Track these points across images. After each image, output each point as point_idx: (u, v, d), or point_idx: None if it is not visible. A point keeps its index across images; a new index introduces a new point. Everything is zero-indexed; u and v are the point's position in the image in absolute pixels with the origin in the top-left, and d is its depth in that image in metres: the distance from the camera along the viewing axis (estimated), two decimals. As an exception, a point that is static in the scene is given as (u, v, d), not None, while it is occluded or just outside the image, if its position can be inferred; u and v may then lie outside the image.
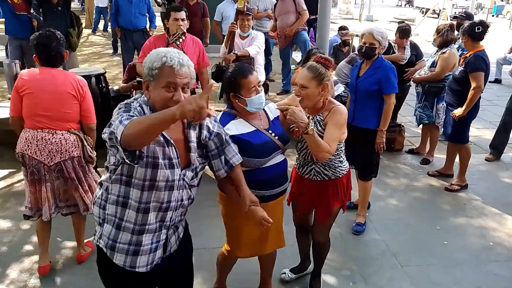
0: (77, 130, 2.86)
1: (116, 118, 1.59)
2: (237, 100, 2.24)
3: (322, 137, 2.36)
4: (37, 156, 2.72)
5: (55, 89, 2.70)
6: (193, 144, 1.83)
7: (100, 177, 2.75)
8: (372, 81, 3.39)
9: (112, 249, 1.80)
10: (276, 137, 2.32)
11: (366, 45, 3.38)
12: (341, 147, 2.56)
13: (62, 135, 2.76)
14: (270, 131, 2.32)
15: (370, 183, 3.70)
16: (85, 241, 3.21)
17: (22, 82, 2.70)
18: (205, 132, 1.89)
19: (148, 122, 1.47)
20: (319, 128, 2.45)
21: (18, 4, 5.94)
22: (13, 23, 5.93)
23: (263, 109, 2.37)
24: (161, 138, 1.70)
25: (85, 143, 2.86)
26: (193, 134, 1.84)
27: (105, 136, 1.63)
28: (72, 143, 2.79)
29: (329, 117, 2.42)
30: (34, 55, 2.74)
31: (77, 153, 2.83)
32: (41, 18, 6.18)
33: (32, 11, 6.40)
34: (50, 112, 2.70)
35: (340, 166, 2.57)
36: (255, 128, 2.28)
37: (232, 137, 2.11)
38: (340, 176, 2.57)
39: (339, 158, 2.56)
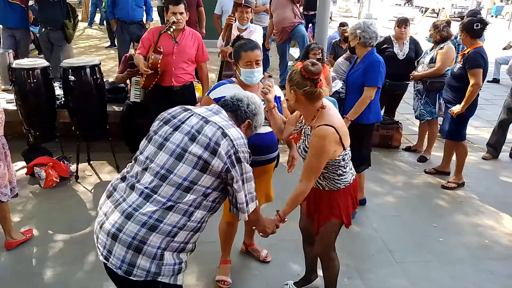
0: None
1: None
2: (235, 67, 2.58)
3: (300, 151, 2.33)
4: None
5: None
6: None
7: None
8: (359, 74, 3.43)
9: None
10: (266, 110, 2.35)
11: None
12: (341, 163, 2.26)
13: None
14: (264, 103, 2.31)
15: (362, 176, 3.73)
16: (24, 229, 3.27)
17: None
18: None
19: None
20: (306, 143, 2.27)
21: None
22: (5, 12, 5.84)
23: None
24: None
25: None
26: None
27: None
28: None
29: (311, 138, 2.20)
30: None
31: None
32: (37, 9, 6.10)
33: (30, 2, 6.32)
34: None
35: (336, 179, 2.30)
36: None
37: (217, 99, 2.32)
38: (336, 189, 2.33)
39: (337, 171, 2.28)
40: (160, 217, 1.67)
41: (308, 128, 2.27)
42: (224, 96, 2.06)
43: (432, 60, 4.62)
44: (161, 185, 1.70)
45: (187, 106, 1.89)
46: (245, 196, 1.84)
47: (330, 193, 2.35)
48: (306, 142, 2.26)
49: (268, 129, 2.56)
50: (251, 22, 4.57)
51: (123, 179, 1.81)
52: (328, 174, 2.29)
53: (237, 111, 1.93)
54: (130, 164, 1.86)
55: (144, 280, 1.66)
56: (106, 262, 1.71)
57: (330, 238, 2.48)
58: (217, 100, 2.29)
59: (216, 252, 3.00)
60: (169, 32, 3.68)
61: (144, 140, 1.85)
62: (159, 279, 1.69)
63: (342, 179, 2.31)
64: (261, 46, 4.56)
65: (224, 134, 1.74)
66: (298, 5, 6.39)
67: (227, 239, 2.90)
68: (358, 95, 3.43)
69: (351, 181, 2.37)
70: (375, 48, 3.50)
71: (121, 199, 1.74)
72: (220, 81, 2.65)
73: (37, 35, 7.15)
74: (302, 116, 2.36)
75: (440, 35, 4.57)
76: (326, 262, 2.58)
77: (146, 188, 1.71)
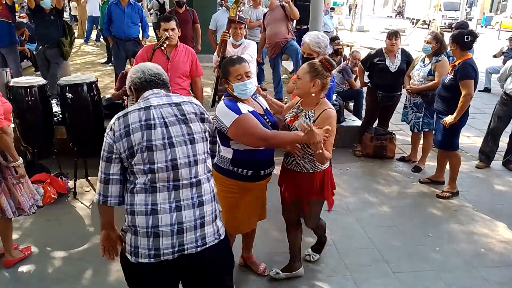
0: None
1: None
2: (227, 85, 2.56)
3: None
4: None
5: None
6: None
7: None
8: None
9: None
10: (270, 123, 2.59)
11: (305, 55, 3.56)
12: None
13: None
14: (265, 117, 2.61)
15: None
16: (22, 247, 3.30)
17: None
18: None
19: None
20: (309, 122, 2.60)
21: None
22: None
23: (257, 100, 2.71)
24: None
25: None
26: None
27: None
28: None
29: (323, 120, 2.59)
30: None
31: None
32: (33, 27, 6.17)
33: (26, 20, 6.39)
34: None
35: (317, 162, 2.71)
36: (253, 109, 2.55)
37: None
38: (318, 171, 2.74)
39: None
40: (207, 190, 2.01)
41: (311, 111, 2.67)
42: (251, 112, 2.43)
43: (431, 73, 4.66)
44: (197, 168, 1.97)
45: (141, 105, 1.96)
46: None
47: (314, 175, 2.73)
48: (309, 121, 2.61)
49: None
50: (245, 38, 4.66)
51: (154, 191, 1.90)
52: (312, 157, 2.65)
53: (166, 85, 2.12)
54: (149, 176, 1.89)
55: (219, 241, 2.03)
56: (184, 252, 1.92)
57: (318, 214, 2.99)
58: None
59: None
60: (162, 48, 3.75)
61: (140, 154, 1.87)
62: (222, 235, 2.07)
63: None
64: (254, 61, 4.69)
65: (193, 103, 2.05)
66: (291, 22, 6.53)
67: None
68: None
69: (324, 168, 2.77)
70: None
71: (176, 202, 1.92)
72: (227, 103, 2.52)
73: (34, 52, 7.22)
74: (298, 103, 2.78)
75: (440, 46, 4.64)
76: (319, 230, 3.17)
77: (190, 178, 1.95)
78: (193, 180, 1.95)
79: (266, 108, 2.76)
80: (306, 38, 3.58)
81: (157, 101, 1.97)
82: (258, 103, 2.72)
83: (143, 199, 1.89)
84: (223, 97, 2.65)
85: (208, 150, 2.07)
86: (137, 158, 1.88)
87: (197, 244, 1.93)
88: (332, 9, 11.85)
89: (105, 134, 1.93)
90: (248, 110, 2.48)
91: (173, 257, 1.90)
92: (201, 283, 2.06)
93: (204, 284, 2.07)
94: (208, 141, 2.06)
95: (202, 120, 2.02)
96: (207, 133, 2.03)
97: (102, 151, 1.92)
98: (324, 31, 10.33)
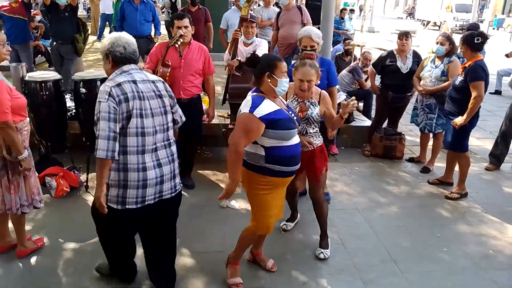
0: None
1: None
2: (269, 80, 2.59)
3: (313, 118, 3.14)
4: None
5: None
6: None
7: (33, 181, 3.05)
8: (323, 77, 3.61)
9: None
10: (294, 117, 2.75)
11: (308, 48, 3.64)
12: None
13: None
14: (289, 112, 2.75)
15: None
16: (35, 238, 3.35)
17: None
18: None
19: None
20: (315, 107, 3.13)
21: (15, 8, 6.02)
22: (6, 29, 5.98)
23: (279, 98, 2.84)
24: None
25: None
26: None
27: None
28: None
29: (323, 100, 3.18)
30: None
31: None
32: (49, 24, 6.26)
33: (39, 17, 6.48)
34: None
35: (321, 137, 3.29)
36: (279, 107, 2.65)
37: (267, 115, 2.53)
38: (321, 143, 3.27)
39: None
40: (174, 150, 2.64)
41: (311, 99, 3.12)
42: (271, 114, 2.54)
43: (444, 74, 4.66)
44: (168, 134, 2.58)
45: (128, 77, 2.42)
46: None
47: (321, 148, 3.25)
48: (315, 107, 3.13)
49: (296, 140, 2.73)
50: (256, 36, 4.69)
51: (143, 152, 2.43)
52: (318, 133, 3.23)
53: (137, 60, 2.57)
54: (140, 139, 2.41)
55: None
56: (161, 198, 2.56)
57: (324, 181, 3.39)
58: (265, 119, 2.53)
59: (222, 261, 3.07)
60: (176, 46, 3.79)
61: (134, 119, 2.37)
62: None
63: (320, 137, 3.28)
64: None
65: (161, 81, 2.62)
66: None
67: (247, 246, 3.02)
68: None
69: (322, 141, 3.30)
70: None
71: (157, 160, 2.50)
72: (253, 97, 2.61)
73: (48, 48, 7.32)
74: (292, 98, 3.14)
75: (453, 47, 4.63)
76: (323, 204, 3.34)
77: (164, 141, 2.55)
78: (166, 142, 2.56)
79: (287, 104, 2.92)
80: (305, 32, 3.69)
81: (140, 77, 2.48)
82: (281, 100, 2.81)
83: (135, 159, 2.42)
84: (250, 92, 2.68)
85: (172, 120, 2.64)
86: (132, 122, 2.37)
87: (171, 191, 2.61)
88: (352, 10, 11.78)
89: (103, 99, 2.30)
90: (271, 111, 2.57)
91: (154, 202, 2.53)
92: (164, 223, 2.75)
93: (166, 223, 2.76)
94: (171, 113, 2.63)
95: (170, 96, 2.60)
96: (170, 107, 2.60)
97: (103, 113, 2.28)
98: (345, 31, 10.36)
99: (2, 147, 2.82)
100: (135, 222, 2.65)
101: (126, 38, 2.51)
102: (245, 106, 2.59)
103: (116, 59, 2.45)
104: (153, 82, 2.52)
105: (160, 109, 2.50)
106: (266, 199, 2.73)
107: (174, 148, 2.62)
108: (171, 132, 2.61)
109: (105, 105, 2.29)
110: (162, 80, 2.63)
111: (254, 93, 2.65)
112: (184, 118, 2.78)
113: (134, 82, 2.41)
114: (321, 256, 3.30)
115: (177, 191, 2.66)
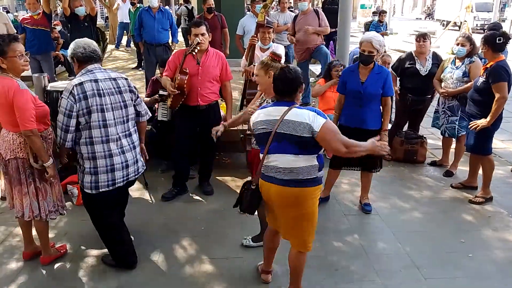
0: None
1: None
2: (300, 93, 2.67)
3: None
4: None
5: None
6: None
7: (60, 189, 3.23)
8: (378, 85, 3.74)
9: None
10: None
11: (365, 52, 3.68)
12: None
13: (12, 136, 2.88)
14: None
15: (372, 174, 4.15)
16: (58, 245, 3.42)
17: None
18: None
19: None
20: None
21: (37, 20, 6.18)
22: (29, 40, 6.14)
23: None
24: None
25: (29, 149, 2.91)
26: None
27: None
28: (18, 145, 2.89)
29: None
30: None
31: (22, 155, 2.90)
32: (69, 34, 6.40)
33: (60, 27, 6.63)
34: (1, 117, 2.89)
35: None
36: None
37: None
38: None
39: None
40: (135, 139, 3.07)
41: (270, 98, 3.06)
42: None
43: (466, 74, 4.56)
44: (128, 124, 2.97)
45: (90, 77, 2.79)
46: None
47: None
48: None
49: None
50: (273, 42, 4.69)
51: (107, 141, 2.84)
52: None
53: (100, 58, 2.94)
54: (103, 130, 2.82)
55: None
56: (127, 179, 3.01)
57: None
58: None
59: (241, 267, 3.07)
60: (194, 53, 3.82)
61: (95, 114, 2.76)
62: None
63: None
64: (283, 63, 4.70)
65: (123, 78, 2.97)
66: None
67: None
68: (374, 105, 3.83)
69: None
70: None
71: (121, 148, 2.91)
72: (310, 108, 2.57)
73: (68, 58, 7.46)
74: (262, 94, 3.17)
75: (474, 48, 4.54)
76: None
77: (125, 131, 2.95)
78: (127, 132, 2.96)
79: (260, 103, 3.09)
80: (367, 37, 3.72)
81: (102, 75, 2.84)
82: None
83: (101, 148, 2.83)
84: (291, 108, 2.51)
85: (134, 112, 3.01)
86: (93, 116, 2.76)
87: (135, 174, 3.07)
88: (375, 13, 11.72)
89: (64, 96, 2.70)
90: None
91: (123, 183, 2.97)
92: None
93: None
94: (133, 106, 2.99)
95: (131, 91, 2.96)
96: (132, 101, 2.97)
97: (62, 109, 2.71)
98: (386, 32, 10.30)
99: (29, 155, 2.91)
100: (112, 203, 3.07)
101: (85, 40, 2.89)
102: (313, 121, 2.44)
103: (79, 59, 2.83)
104: (114, 79, 2.88)
105: (120, 103, 2.88)
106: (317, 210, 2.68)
107: (134, 136, 3.03)
108: (131, 123, 3.00)
109: (64, 102, 2.71)
110: (125, 77, 2.99)
111: (297, 107, 2.54)
112: (150, 114, 3.22)
113: (96, 81, 2.79)
114: (244, 242, 3.42)
115: (140, 173, 3.13)
